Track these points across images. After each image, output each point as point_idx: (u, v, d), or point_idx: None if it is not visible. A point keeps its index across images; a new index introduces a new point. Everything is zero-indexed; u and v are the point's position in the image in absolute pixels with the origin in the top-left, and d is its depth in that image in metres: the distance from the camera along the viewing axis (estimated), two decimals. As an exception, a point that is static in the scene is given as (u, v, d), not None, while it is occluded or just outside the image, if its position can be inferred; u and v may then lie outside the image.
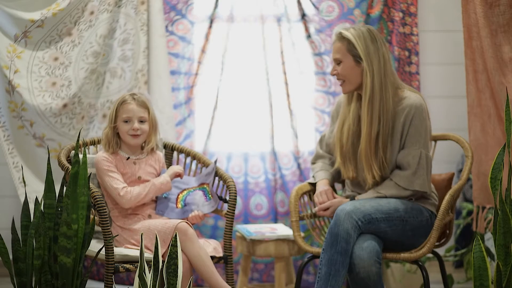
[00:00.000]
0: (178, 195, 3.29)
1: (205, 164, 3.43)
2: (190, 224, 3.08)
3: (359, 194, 3.15)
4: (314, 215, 3.29)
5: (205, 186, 3.33)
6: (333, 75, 3.09)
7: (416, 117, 3.01)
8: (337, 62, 3.06)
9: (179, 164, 3.52)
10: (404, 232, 3.01)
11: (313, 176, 3.29)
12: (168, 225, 3.04)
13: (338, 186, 3.49)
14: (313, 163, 3.32)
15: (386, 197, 3.03)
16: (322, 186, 3.19)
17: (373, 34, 3.02)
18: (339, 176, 3.28)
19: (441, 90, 4.25)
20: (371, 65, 2.99)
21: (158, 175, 3.29)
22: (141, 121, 3.19)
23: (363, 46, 2.99)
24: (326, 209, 3.12)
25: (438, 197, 3.18)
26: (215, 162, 3.36)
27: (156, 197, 3.26)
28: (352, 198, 3.13)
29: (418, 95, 3.06)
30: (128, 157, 3.23)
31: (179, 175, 3.26)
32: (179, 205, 3.26)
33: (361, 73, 3.02)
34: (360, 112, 3.08)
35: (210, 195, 3.29)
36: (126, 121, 3.17)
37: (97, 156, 3.20)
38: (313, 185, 3.28)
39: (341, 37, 3.03)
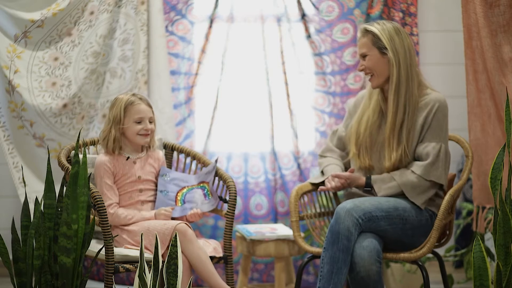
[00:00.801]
0: (178, 192, 3.29)
1: (205, 164, 3.43)
2: (189, 225, 3.08)
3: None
4: (314, 215, 3.29)
5: (205, 184, 3.33)
6: (361, 70, 3.11)
7: (440, 111, 3.05)
8: (363, 56, 3.09)
9: (178, 164, 3.52)
10: (404, 231, 3.01)
11: (321, 172, 3.26)
12: (167, 226, 3.04)
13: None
14: (321, 156, 3.31)
15: (398, 185, 3.03)
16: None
17: (397, 27, 3.06)
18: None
19: (441, 90, 4.21)
20: (397, 56, 3.03)
21: (157, 173, 3.30)
22: (150, 122, 3.22)
23: (387, 37, 3.03)
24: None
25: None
26: (216, 161, 3.36)
27: (155, 195, 3.27)
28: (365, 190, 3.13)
29: (440, 94, 3.10)
30: (128, 157, 3.23)
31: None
32: (178, 203, 3.26)
33: (387, 65, 3.05)
34: (382, 104, 3.11)
35: (209, 194, 3.29)
36: (139, 122, 3.18)
37: (99, 159, 3.19)
38: (316, 185, 3.28)
39: (366, 31, 3.07)
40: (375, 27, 3.05)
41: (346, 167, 3.26)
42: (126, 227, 3.15)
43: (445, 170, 3.05)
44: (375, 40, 3.05)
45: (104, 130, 3.22)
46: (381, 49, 3.04)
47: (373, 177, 3.09)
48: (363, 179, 3.11)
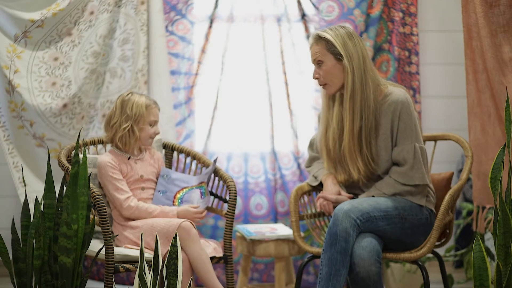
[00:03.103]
0: (177, 193, 3.30)
1: (205, 164, 3.43)
2: (194, 224, 3.08)
3: (355, 194, 3.15)
4: (314, 215, 3.29)
5: (203, 184, 3.33)
6: (315, 79, 3.07)
7: (404, 112, 3.02)
8: (318, 64, 3.05)
9: (179, 164, 3.53)
10: (403, 230, 3.01)
11: (313, 176, 3.27)
12: (172, 223, 3.04)
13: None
14: (308, 166, 3.31)
15: (386, 195, 3.04)
16: (331, 185, 3.16)
17: (349, 32, 3.03)
18: None
19: (441, 90, 4.25)
20: (351, 61, 3.00)
21: (158, 173, 3.31)
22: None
23: (341, 43, 3.00)
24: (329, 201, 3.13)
25: (438, 196, 3.18)
26: (215, 161, 3.36)
27: (153, 193, 3.27)
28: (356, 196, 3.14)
29: (401, 89, 3.07)
30: (129, 157, 3.24)
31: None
32: (176, 203, 3.27)
33: (342, 71, 3.02)
34: (343, 113, 3.08)
35: (205, 194, 3.30)
36: (151, 125, 3.23)
37: (101, 159, 3.19)
38: (314, 186, 3.28)
39: (319, 38, 3.03)
40: (328, 34, 3.01)
41: None
42: (129, 223, 3.15)
43: (425, 168, 3.04)
44: (329, 47, 3.01)
45: (120, 127, 3.20)
46: (336, 56, 3.01)
47: (361, 196, 3.09)
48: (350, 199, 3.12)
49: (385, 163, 3.06)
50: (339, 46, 2.99)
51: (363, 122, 3.02)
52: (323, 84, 3.06)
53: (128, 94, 3.24)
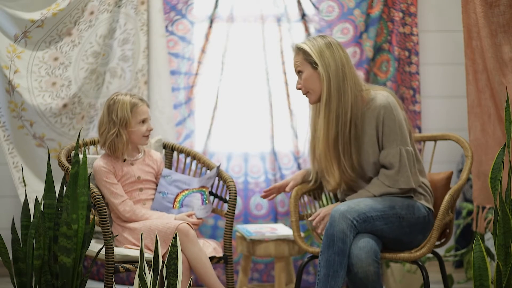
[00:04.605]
0: (177, 195, 3.29)
1: (205, 165, 3.43)
2: (192, 226, 3.08)
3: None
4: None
5: (204, 189, 3.33)
6: (298, 89, 3.14)
7: (386, 116, 3.04)
8: (299, 73, 3.12)
9: (179, 164, 3.53)
10: (401, 229, 3.01)
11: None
12: (169, 225, 3.04)
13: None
14: None
15: (375, 196, 3.05)
16: (289, 179, 3.26)
17: (328, 41, 3.07)
18: None
19: (441, 90, 4.25)
20: (326, 70, 3.04)
21: (156, 173, 3.30)
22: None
23: (317, 52, 3.05)
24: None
25: (437, 196, 3.18)
26: (218, 167, 3.36)
27: (152, 194, 3.27)
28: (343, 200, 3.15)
29: (384, 93, 3.08)
30: (125, 159, 3.23)
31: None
32: (176, 206, 3.26)
33: (319, 80, 3.05)
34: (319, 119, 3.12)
35: (207, 200, 3.29)
36: (141, 122, 3.20)
37: (96, 164, 3.19)
38: (314, 186, 3.29)
39: (297, 49, 3.11)
40: (305, 44, 3.08)
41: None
42: (128, 225, 3.15)
43: (411, 172, 3.05)
44: (306, 56, 3.07)
45: (108, 133, 3.18)
46: (313, 64, 3.06)
47: (348, 198, 3.10)
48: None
49: (374, 166, 3.08)
50: (315, 56, 3.05)
51: (339, 130, 3.05)
52: (306, 93, 3.12)
53: (113, 98, 3.21)
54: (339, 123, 3.04)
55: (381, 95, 3.07)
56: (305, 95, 3.13)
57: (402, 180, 3.03)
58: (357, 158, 3.07)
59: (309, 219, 3.11)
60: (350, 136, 3.06)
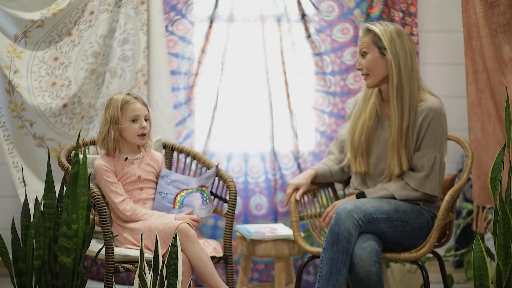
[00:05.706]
0: (177, 195, 3.29)
1: (205, 164, 3.43)
2: (192, 225, 3.08)
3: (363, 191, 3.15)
4: (314, 215, 3.29)
5: (204, 189, 3.32)
6: (358, 69, 3.11)
7: (434, 120, 3.03)
8: (363, 55, 3.09)
9: (178, 164, 3.52)
10: (404, 233, 3.01)
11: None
12: (169, 225, 3.04)
13: (338, 185, 3.49)
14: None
15: (393, 196, 3.03)
16: (298, 178, 3.24)
17: (399, 29, 3.06)
18: (342, 175, 3.28)
19: (441, 90, 4.22)
20: (397, 57, 3.02)
21: (157, 173, 3.30)
22: (145, 120, 3.20)
23: (388, 38, 3.03)
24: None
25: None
26: (217, 166, 3.35)
27: (153, 193, 3.27)
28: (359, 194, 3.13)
29: (437, 99, 3.09)
30: (126, 158, 3.23)
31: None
32: (177, 206, 3.26)
33: (385, 66, 3.04)
34: (379, 108, 3.11)
35: (207, 200, 3.29)
36: (134, 120, 3.17)
37: (97, 163, 3.19)
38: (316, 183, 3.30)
39: (367, 30, 3.08)
40: (377, 27, 3.06)
41: (341, 170, 3.27)
42: (127, 225, 3.15)
43: (439, 181, 3.05)
44: (375, 40, 3.05)
45: (102, 132, 3.19)
46: (381, 49, 3.04)
47: (366, 191, 3.10)
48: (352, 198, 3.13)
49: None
50: (385, 41, 3.02)
51: (410, 120, 3.03)
52: (365, 75, 3.09)
53: (110, 97, 3.22)
54: (411, 113, 3.03)
55: (435, 99, 3.08)
56: (364, 77, 3.10)
57: (429, 185, 3.02)
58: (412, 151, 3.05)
59: (327, 209, 3.11)
60: (415, 127, 3.04)
